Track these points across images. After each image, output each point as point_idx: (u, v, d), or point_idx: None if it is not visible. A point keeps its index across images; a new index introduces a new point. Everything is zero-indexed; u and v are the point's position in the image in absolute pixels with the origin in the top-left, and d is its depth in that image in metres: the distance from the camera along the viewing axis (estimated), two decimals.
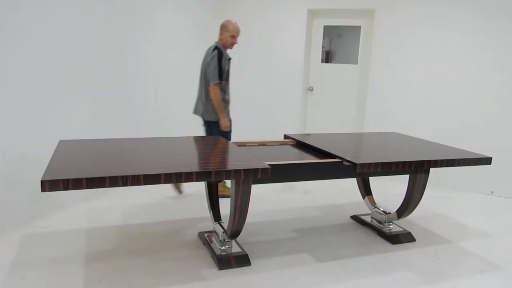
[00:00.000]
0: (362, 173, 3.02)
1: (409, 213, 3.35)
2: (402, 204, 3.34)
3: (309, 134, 3.80)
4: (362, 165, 2.74)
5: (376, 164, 2.78)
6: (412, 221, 3.84)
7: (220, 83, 3.85)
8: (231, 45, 3.96)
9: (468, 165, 3.15)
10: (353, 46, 5.51)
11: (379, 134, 3.98)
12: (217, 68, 3.79)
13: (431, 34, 4.86)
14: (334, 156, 2.95)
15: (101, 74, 4.06)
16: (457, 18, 4.73)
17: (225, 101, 4.01)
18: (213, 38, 5.95)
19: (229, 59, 3.98)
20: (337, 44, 6.16)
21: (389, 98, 5.19)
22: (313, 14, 5.56)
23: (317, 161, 2.85)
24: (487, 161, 3.18)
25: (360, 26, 5.38)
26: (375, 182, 4.82)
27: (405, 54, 5.05)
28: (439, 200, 4.40)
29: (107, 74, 4.13)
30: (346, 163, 2.84)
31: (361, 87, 5.45)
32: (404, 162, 2.86)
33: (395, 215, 3.42)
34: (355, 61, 5.48)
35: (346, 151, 3.06)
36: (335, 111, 5.66)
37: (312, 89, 5.72)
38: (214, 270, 2.78)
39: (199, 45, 5.56)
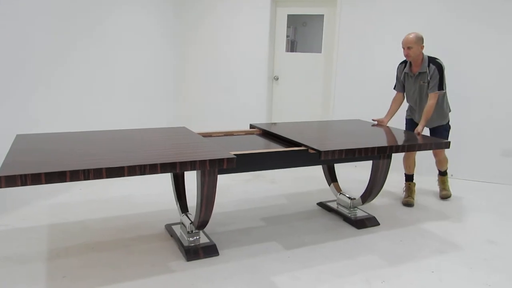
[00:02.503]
0: (327, 160, 3.06)
1: (373, 198, 3.44)
2: (366, 189, 3.42)
3: (275, 123, 3.82)
4: (327, 152, 2.78)
5: (340, 151, 2.83)
6: (376, 206, 3.94)
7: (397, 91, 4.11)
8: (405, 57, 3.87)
9: (429, 149, 3.26)
10: (317, 34, 5.55)
11: (343, 122, 4.05)
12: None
13: (394, 20, 4.96)
14: (299, 145, 2.98)
15: (62, 69, 3.94)
16: (418, 4, 4.83)
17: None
18: (175, 31, 5.89)
19: (406, 72, 3.96)
20: (302, 33, 6.19)
21: (354, 85, 5.27)
22: (276, 2, 5.55)
23: (283, 149, 2.87)
24: (446, 144, 3.30)
25: (323, 15, 5.42)
26: (340, 169, 4.90)
27: (368, 41, 5.12)
28: (401, 185, 4.52)
29: (68, 69, 4.01)
30: (311, 151, 2.87)
31: (326, 75, 5.50)
32: (367, 148, 2.93)
33: (360, 201, 3.50)
34: (319, 50, 5.52)
35: (311, 139, 3.09)
36: (301, 100, 5.70)
37: (277, 78, 5.74)
38: (182, 262, 2.77)
39: (161, 39, 5.47)
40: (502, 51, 4.61)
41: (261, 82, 5.66)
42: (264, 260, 2.84)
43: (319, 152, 2.80)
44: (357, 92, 5.27)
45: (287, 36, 5.66)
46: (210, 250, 2.87)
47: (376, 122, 4.10)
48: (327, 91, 5.51)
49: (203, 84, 5.94)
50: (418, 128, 3.73)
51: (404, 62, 3.98)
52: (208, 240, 2.97)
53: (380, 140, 3.22)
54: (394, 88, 4.12)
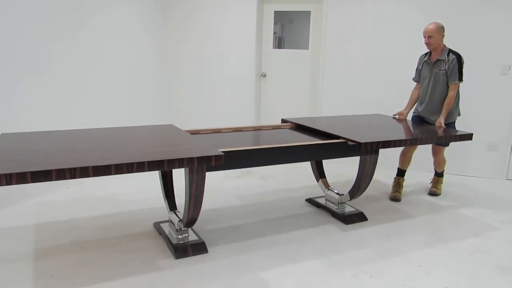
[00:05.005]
0: (365, 151, 3.19)
1: (361, 194, 3.46)
2: (353, 185, 3.44)
3: (314, 117, 4.03)
4: (366, 144, 3.00)
5: (378, 142, 3.05)
6: (364, 201, 3.96)
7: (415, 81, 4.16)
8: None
9: (453, 141, 3.53)
10: (304, 31, 5.56)
11: (364, 116, 4.25)
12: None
13: (380, 16, 4.98)
14: (336, 137, 3.21)
15: (47, 67, 3.89)
16: (404, 0, 4.86)
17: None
18: (162, 29, 5.83)
19: (425, 61, 4.00)
20: (289, 30, 6.19)
21: (341, 81, 5.30)
22: None
23: (323, 142, 3.05)
24: (469, 136, 3.55)
25: (309, 11, 5.43)
26: (328, 165, 4.93)
27: (354, 37, 5.14)
28: (389, 180, 4.56)
29: (54, 67, 3.96)
30: (351, 143, 3.05)
31: (313, 72, 5.52)
32: (401, 140, 3.18)
33: (348, 196, 3.52)
34: (306, 46, 5.53)
35: (345, 132, 3.30)
36: (289, 96, 5.71)
37: (265, 75, 5.73)
38: (171, 259, 2.76)
39: (148, 37, 5.43)
40: (486, 49, 4.66)
41: (249, 79, 5.65)
42: (253, 256, 2.84)
43: (359, 144, 2.97)
44: (344, 88, 5.29)
45: (274, 33, 5.66)
46: (199, 248, 2.87)
47: (397, 116, 4.20)
48: (314, 87, 5.53)
49: (190, 81, 5.91)
50: (440, 121, 3.83)
51: (425, 54, 4.04)
52: (196, 238, 2.97)
53: (407, 132, 3.46)
54: (413, 79, 4.17)
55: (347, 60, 5.22)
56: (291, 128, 3.70)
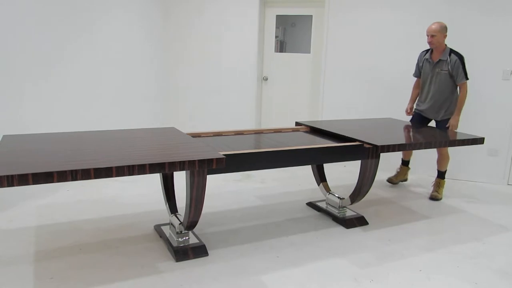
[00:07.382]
0: (381, 153, 3.23)
1: (362, 198, 3.45)
2: (354, 189, 3.44)
3: (325, 121, 4.05)
4: (383, 146, 3.07)
5: (394, 145, 3.12)
6: (365, 205, 3.96)
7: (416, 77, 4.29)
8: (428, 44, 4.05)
9: (465, 145, 3.56)
10: (306, 35, 5.57)
11: (375, 120, 4.29)
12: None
13: (381, 20, 4.99)
14: (351, 140, 3.27)
15: (50, 70, 3.90)
16: (405, 4, 4.87)
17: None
18: (164, 33, 5.86)
19: (426, 59, 4.10)
20: (291, 34, 6.21)
21: (342, 85, 5.30)
22: (265, 3, 5.56)
23: (338, 144, 3.09)
24: (481, 141, 3.63)
25: (311, 15, 5.44)
26: (329, 169, 4.93)
27: (356, 41, 5.15)
28: (390, 184, 4.56)
29: (57, 70, 3.97)
30: (367, 145, 3.10)
31: (315, 75, 5.53)
32: (415, 143, 3.25)
33: (349, 200, 3.52)
34: (308, 50, 5.55)
35: (360, 135, 3.35)
36: (290, 100, 5.72)
37: (266, 79, 5.74)
38: (171, 262, 2.76)
39: (150, 41, 5.45)
40: (487, 54, 4.67)
41: (251, 82, 5.66)
42: (254, 260, 2.84)
43: (375, 146, 3.03)
44: (345, 92, 5.30)
45: (276, 37, 5.67)
46: (199, 251, 2.87)
47: (408, 110, 4.33)
48: (316, 91, 5.54)
49: (192, 85, 5.93)
50: (452, 122, 3.96)
51: (426, 50, 4.12)
52: (197, 241, 2.97)
53: (422, 136, 3.53)
54: (413, 75, 4.26)
55: (348, 64, 5.23)
56: (301, 131, 3.73)
